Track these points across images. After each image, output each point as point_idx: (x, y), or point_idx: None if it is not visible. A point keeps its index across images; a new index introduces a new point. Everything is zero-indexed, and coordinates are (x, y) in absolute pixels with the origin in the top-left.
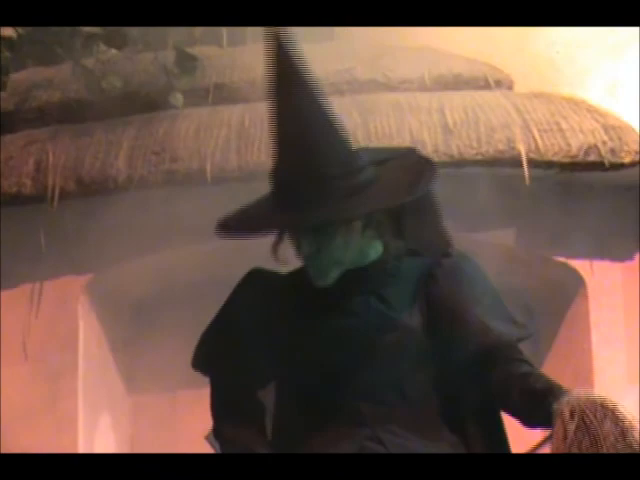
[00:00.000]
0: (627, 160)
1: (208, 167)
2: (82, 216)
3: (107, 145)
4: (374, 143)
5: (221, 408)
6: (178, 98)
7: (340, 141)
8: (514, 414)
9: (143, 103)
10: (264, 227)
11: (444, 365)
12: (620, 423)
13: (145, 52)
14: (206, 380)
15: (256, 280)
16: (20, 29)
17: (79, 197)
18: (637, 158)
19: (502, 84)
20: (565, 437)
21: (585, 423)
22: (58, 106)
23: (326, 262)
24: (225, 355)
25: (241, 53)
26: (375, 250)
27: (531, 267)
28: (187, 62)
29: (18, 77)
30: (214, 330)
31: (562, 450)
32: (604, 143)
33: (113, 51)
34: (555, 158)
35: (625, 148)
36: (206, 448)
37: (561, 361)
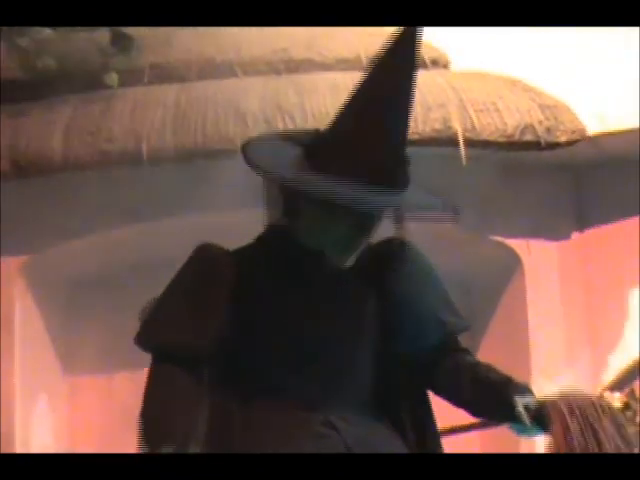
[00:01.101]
0: (563, 139)
1: (144, 147)
2: (18, 197)
3: (43, 125)
4: (311, 123)
5: (155, 388)
6: (113, 78)
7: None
8: (460, 403)
9: (78, 83)
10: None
11: (395, 353)
12: (617, 420)
13: (80, 31)
14: (144, 360)
15: (206, 254)
16: None
17: (15, 178)
18: (573, 137)
19: (438, 63)
20: (567, 435)
21: (588, 421)
22: None
23: (359, 245)
24: (171, 331)
25: (177, 33)
26: None
27: (468, 247)
28: (122, 42)
29: None
30: (161, 305)
31: (564, 448)
32: (540, 122)
33: (48, 30)
34: (491, 137)
35: (561, 127)
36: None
37: (498, 339)
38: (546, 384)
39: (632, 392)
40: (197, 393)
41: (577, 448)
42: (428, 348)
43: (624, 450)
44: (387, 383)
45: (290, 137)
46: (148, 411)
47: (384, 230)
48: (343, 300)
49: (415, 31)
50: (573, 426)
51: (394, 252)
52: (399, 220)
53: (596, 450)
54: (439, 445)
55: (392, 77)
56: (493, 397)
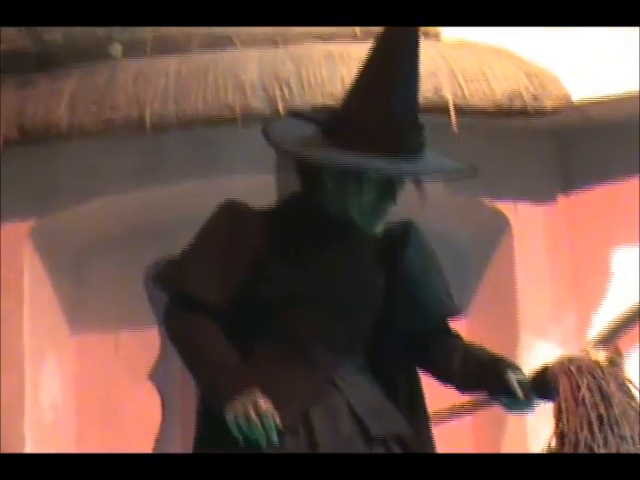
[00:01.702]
0: (549, 106)
1: (147, 115)
2: (26, 163)
3: (49, 94)
4: (307, 91)
5: (179, 324)
6: (117, 49)
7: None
8: (451, 381)
9: (83, 54)
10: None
11: (395, 327)
12: (620, 378)
13: None
14: (149, 319)
15: (235, 211)
16: None
17: (22, 145)
18: (559, 104)
19: (430, 34)
20: (576, 393)
21: (595, 379)
22: (1, 57)
23: (387, 212)
24: (192, 279)
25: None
26: None
27: (459, 209)
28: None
29: None
30: (188, 253)
31: (572, 406)
32: (527, 90)
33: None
34: (480, 105)
35: (547, 94)
36: (147, 382)
37: (488, 298)
38: (533, 340)
39: (616, 348)
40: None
41: (588, 405)
42: (426, 327)
43: (629, 403)
44: (384, 356)
45: (306, 117)
46: (202, 369)
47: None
48: (358, 270)
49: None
50: (583, 385)
51: (405, 234)
52: (419, 185)
53: (604, 405)
54: (428, 420)
55: (398, 47)
56: (486, 373)
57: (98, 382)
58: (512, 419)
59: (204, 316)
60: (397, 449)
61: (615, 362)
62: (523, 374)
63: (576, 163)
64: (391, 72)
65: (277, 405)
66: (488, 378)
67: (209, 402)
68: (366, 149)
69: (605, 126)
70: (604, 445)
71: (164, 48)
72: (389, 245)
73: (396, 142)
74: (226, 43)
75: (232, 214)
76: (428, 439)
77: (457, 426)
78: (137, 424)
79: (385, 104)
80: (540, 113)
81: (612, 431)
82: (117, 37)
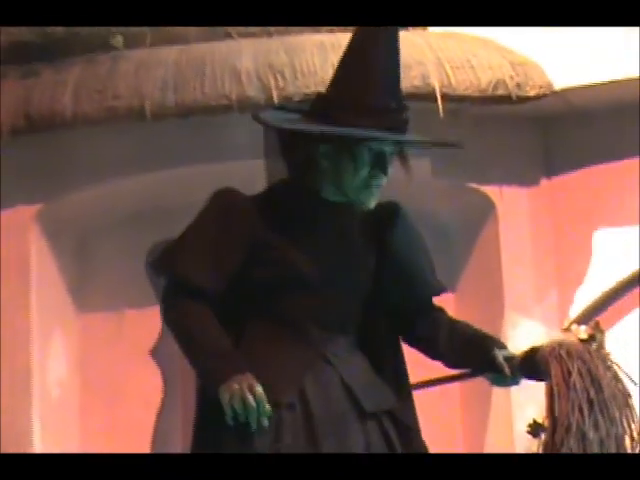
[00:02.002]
0: (532, 93)
1: (147, 104)
2: (32, 150)
3: (54, 84)
4: (300, 79)
5: (174, 307)
6: (119, 40)
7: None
8: (439, 356)
9: (86, 45)
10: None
11: (383, 304)
12: (608, 362)
13: None
14: (150, 299)
15: (228, 199)
16: None
17: (29, 133)
18: (541, 92)
19: None
20: (567, 378)
21: (585, 363)
22: (7, 49)
23: (380, 185)
24: (188, 264)
25: None
26: None
27: (446, 193)
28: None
29: None
30: (184, 239)
31: (564, 391)
32: (511, 78)
33: None
34: (466, 92)
35: (530, 83)
36: (149, 360)
37: (474, 278)
38: (517, 317)
39: (597, 325)
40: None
41: (578, 389)
42: (412, 304)
43: (616, 385)
44: (371, 333)
45: (290, 108)
46: (197, 354)
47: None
48: (349, 252)
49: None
50: (574, 370)
51: (392, 215)
52: (405, 161)
53: (594, 389)
54: (411, 395)
55: (380, 30)
56: (474, 350)
57: (102, 360)
58: (497, 395)
59: (199, 301)
60: (388, 423)
61: (595, 338)
62: (508, 351)
63: (558, 148)
64: (372, 54)
65: (274, 381)
66: (475, 355)
67: (204, 385)
68: (352, 125)
69: (586, 112)
70: (594, 427)
71: (163, 39)
72: (377, 227)
73: (380, 118)
74: (222, 34)
75: (225, 201)
76: (412, 414)
77: (445, 403)
78: (139, 400)
79: (368, 83)
80: (523, 100)
81: (602, 414)
82: (118, 29)
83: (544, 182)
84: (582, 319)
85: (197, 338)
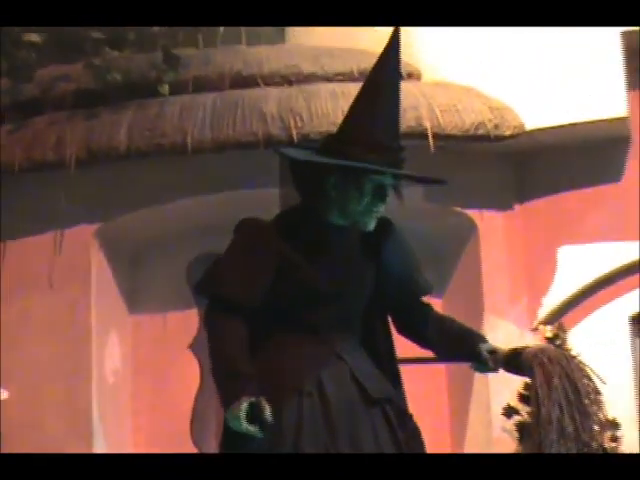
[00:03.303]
0: (507, 133)
1: (189, 140)
2: (93, 178)
3: (111, 124)
4: (315, 121)
5: (213, 323)
6: (165, 88)
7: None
8: (429, 346)
9: (138, 92)
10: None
11: (380, 305)
12: (581, 365)
13: (139, 53)
14: (190, 304)
15: (253, 227)
16: (43, 35)
17: (90, 164)
18: (515, 132)
19: (413, 75)
20: (549, 381)
21: (563, 367)
22: (73, 95)
23: (380, 210)
24: (225, 284)
25: (213, 53)
26: None
27: (436, 215)
28: (172, 60)
29: (43, 72)
30: (219, 264)
31: (546, 392)
32: (490, 120)
33: (115, 52)
34: (453, 132)
35: (506, 124)
36: (188, 353)
37: (459, 286)
38: (495, 319)
39: (560, 325)
40: (246, 336)
41: (559, 390)
42: (405, 300)
43: (589, 385)
44: (371, 331)
45: (307, 146)
46: (219, 369)
47: None
48: (354, 266)
49: (398, 45)
50: (555, 374)
51: (386, 231)
52: (399, 192)
53: (571, 390)
54: (402, 384)
55: (384, 81)
56: (462, 344)
57: (149, 352)
58: (478, 382)
59: (235, 317)
60: (388, 408)
61: (559, 336)
62: (490, 345)
63: (529, 179)
64: (378, 102)
65: (297, 375)
66: (463, 348)
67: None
68: (360, 160)
69: (552, 149)
70: (572, 421)
71: (202, 87)
72: (374, 240)
73: (383, 155)
74: (251, 83)
75: (251, 229)
76: (404, 399)
77: (434, 388)
78: (180, 385)
79: (374, 126)
80: (500, 139)
81: (578, 410)
82: (165, 78)
83: (517, 207)
84: (548, 320)
85: (222, 354)
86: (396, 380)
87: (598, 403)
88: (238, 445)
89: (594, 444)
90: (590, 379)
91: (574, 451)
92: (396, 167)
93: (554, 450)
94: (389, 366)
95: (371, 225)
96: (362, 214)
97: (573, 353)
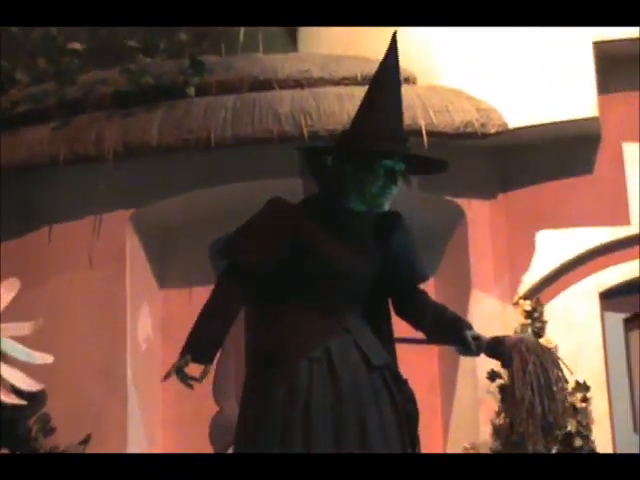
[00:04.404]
0: (492, 131)
1: (212, 137)
2: (128, 170)
3: (144, 122)
4: (323, 120)
5: (216, 285)
6: (192, 90)
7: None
8: (422, 329)
9: (168, 94)
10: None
11: (383, 288)
12: (555, 358)
13: (169, 60)
14: (212, 279)
15: (277, 204)
16: (85, 44)
17: (126, 157)
18: (499, 130)
19: (409, 80)
20: (525, 368)
21: (538, 356)
22: (111, 96)
23: (393, 192)
24: (243, 250)
25: (234, 60)
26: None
27: (429, 203)
28: (197, 66)
29: (84, 77)
30: (240, 232)
31: (521, 378)
32: (477, 119)
33: (148, 59)
34: (444, 130)
35: (491, 123)
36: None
37: (450, 267)
38: (481, 294)
39: (538, 300)
40: (233, 309)
41: (532, 374)
42: (404, 286)
43: (559, 374)
44: (375, 307)
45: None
46: (193, 326)
47: None
48: (365, 249)
49: (396, 49)
50: (530, 361)
51: (395, 222)
52: (406, 177)
53: (543, 376)
54: (395, 353)
55: (387, 80)
56: (450, 331)
57: (177, 322)
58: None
59: (240, 281)
60: (387, 374)
61: (537, 309)
62: (474, 331)
63: (511, 171)
64: (384, 101)
65: (308, 342)
66: (450, 333)
67: None
68: (372, 148)
69: (532, 145)
70: (540, 403)
71: (224, 90)
72: (385, 229)
73: (392, 143)
74: (267, 86)
75: (274, 206)
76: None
77: (427, 358)
78: None
79: (382, 119)
80: (486, 136)
81: (547, 395)
82: (191, 82)
83: (501, 196)
84: (528, 296)
85: (205, 311)
86: (392, 350)
87: (564, 390)
88: (255, 404)
89: (558, 424)
90: (560, 369)
91: (539, 429)
92: (404, 152)
93: (523, 427)
94: (387, 337)
95: (385, 206)
96: (377, 196)
97: (549, 345)
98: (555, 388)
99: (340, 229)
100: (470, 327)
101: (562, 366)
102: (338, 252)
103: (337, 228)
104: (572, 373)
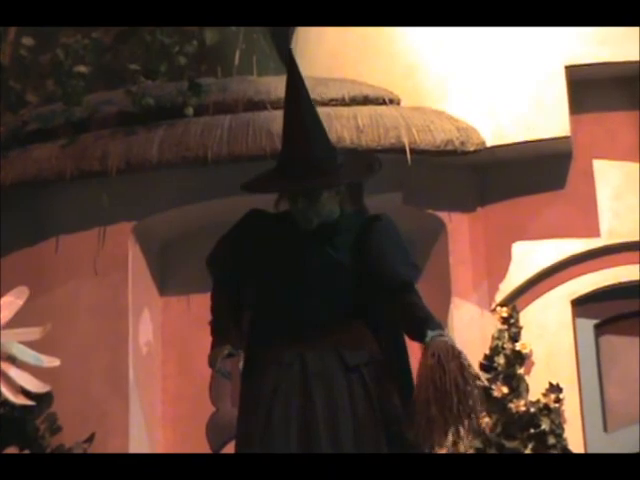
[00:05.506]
0: (472, 149)
1: (209, 154)
2: (131, 184)
3: (145, 140)
4: None
5: (212, 292)
6: (190, 111)
7: (324, 137)
8: (401, 329)
9: (167, 114)
10: (276, 189)
11: (363, 296)
12: (463, 362)
13: (169, 82)
14: (209, 286)
15: (251, 218)
16: (90, 68)
17: (128, 173)
18: (478, 148)
19: (394, 101)
20: (424, 369)
21: (439, 361)
22: (115, 116)
23: (311, 215)
24: (219, 264)
25: (229, 82)
26: (336, 211)
27: (412, 216)
28: (195, 88)
29: (90, 98)
30: (217, 247)
31: (423, 377)
32: (457, 138)
33: (149, 81)
34: (426, 148)
35: (470, 141)
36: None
37: (431, 276)
38: (460, 301)
39: (514, 307)
40: (237, 305)
41: (429, 378)
42: (385, 285)
43: (471, 375)
44: (370, 308)
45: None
46: (212, 325)
47: None
48: (341, 254)
49: (295, 66)
50: (431, 362)
51: (372, 224)
52: (340, 192)
53: (439, 379)
54: (399, 348)
55: (294, 102)
56: (416, 328)
57: (176, 327)
58: None
59: (224, 291)
60: (366, 373)
61: (513, 315)
62: (439, 332)
63: (489, 186)
64: (287, 122)
65: (279, 348)
66: (417, 332)
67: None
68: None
69: (508, 162)
70: (435, 403)
71: (220, 110)
72: (360, 233)
73: (286, 180)
74: (261, 107)
75: (246, 216)
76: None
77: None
78: (202, 356)
79: (285, 145)
80: (465, 154)
81: (442, 393)
82: (189, 103)
83: (479, 209)
84: (504, 303)
85: (215, 316)
86: (396, 349)
87: (467, 394)
88: (241, 407)
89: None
90: (464, 375)
91: (435, 417)
92: (330, 174)
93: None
94: (387, 339)
95: (308, 226)
96: (301, 216)
97: (460, 351)
98: (453, 389)
99: (314, 237)
100: (436, 326)
101: (470, 370)
102: (314, 260)
103: (311, 236)
104: (480, 379)
